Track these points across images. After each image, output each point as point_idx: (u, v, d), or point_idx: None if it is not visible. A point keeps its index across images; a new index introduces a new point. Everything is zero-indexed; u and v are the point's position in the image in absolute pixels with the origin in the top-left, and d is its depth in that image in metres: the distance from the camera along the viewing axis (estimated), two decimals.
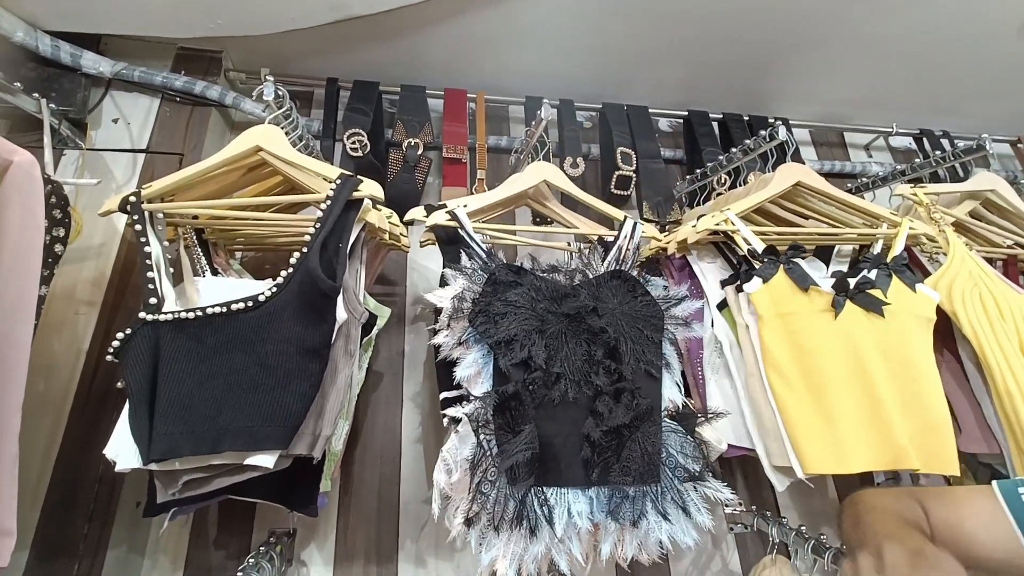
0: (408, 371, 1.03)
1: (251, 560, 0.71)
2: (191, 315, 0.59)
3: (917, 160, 1.20)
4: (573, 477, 0.63)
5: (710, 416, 0.77)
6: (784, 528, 0.85)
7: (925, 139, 1.46)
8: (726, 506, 1.01)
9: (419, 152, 1.13)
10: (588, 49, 1.24)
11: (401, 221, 0.86)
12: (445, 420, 0.68)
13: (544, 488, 0.63)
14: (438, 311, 0.73)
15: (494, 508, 0.61)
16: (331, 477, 0.75)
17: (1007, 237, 0.99)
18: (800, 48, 1.26)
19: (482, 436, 0.63)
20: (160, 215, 0.72)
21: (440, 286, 0.76)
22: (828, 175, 1.16)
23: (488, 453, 0.63)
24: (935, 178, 1.24)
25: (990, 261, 0.92)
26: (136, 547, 0.82)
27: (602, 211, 0.88)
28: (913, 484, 0.97)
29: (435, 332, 0.73)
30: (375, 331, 0.80)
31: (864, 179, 1.34)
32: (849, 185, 1.35)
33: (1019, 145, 1.53)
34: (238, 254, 1.00)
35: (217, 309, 0.59)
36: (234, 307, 0.59)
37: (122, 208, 0.70)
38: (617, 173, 1.17)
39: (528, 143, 1.00)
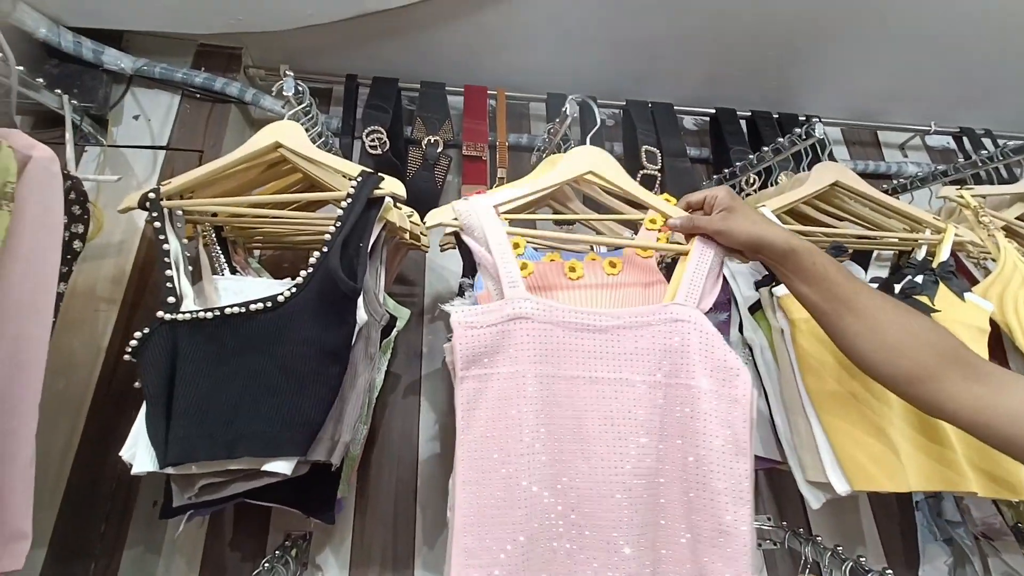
0: (426, 373, 1.02)
1: (266, 564, 0.70)
2: (209, 315, 0.58)
3: (960, 160, 1.15)
4: None
5: None
6: (819, 547, 0.81)
7: (966, 138, 1.39)
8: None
9: (439, 150, 1.11)
10: (610, 43, 1.21)
11: (421, 221, 0.84)
12: None
13: None
14: None
15: None
16: (348, 481, 0.74)
17: None
18: (833, 38, 1.20)
19: None
20: (179, 212, 0.70)
21: (459, 293, 0.74)
22: (861, 176, 1.12)
23: None
24: (977, 179, 1.18)
25: None
26: (152, 547, 0.81)
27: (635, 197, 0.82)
28: (958, 504, 0.92)
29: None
30: (394, 333, 0.79)
31: (900, 180, 1.28)
32: (884, 186, 1.29)
33: None
34: (256, 252, 0.99)
35: (236, 309, 0.58)
36: (253, 307, 0.58)
37: (141, 205, 0.69)
38: (642, 172, 1.14)
39: (551, 140, 0.97)
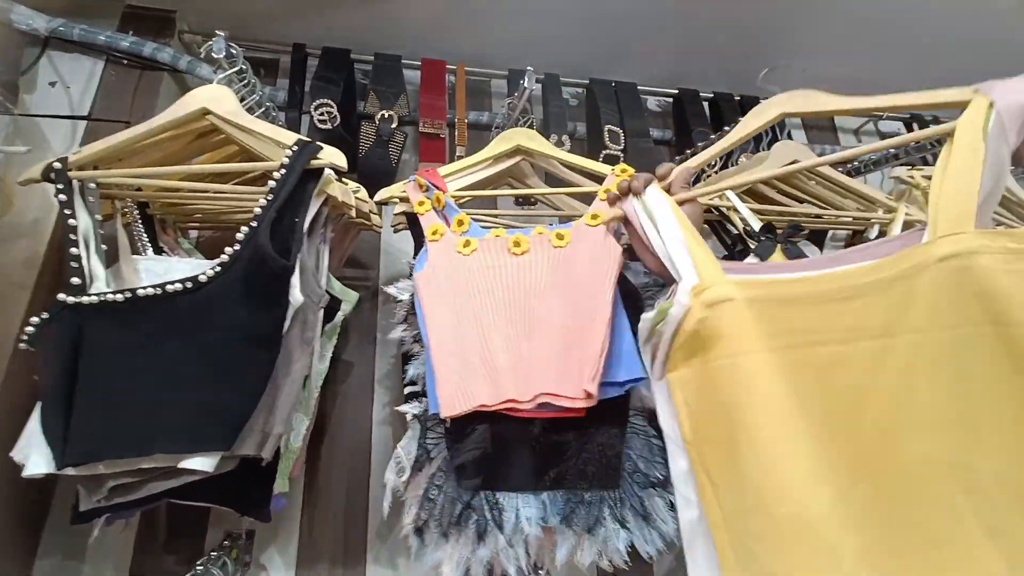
0: (379, 360, 0.97)
1: (200, 568, 0.65)
2: (120, 297, 0.52)
3: (913, 143, 1.17)
4: (524, 480, 0.59)
5: None
6: None
7: (915, 124, 1.42)
8: None
9: (393, 126, 1.05)
10: (576, 21, 1.17)
11: (371, 198, 0.79)
12: (408, 416, 0.63)
13: (494, 492, 0.59)
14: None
15: (440, 513, 0.58)
16: (290, 476, 0.69)
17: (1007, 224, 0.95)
18: (794, 27, 1.21)
19: (429, 438, 0.60)
20: (92, 185, 0.63)
21: (408, 275, 0.70)
22: None
23: (431, 457, 0.60)
24: (925, 162, 1.21)
25: None
26: (73, 554, 0.74)
27: (593, 170, 0.81)
28: None
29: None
30: (340, 317, 0.74)
31: (854, 163, 1.30)
32: (840, 169, 1.31)
33: None
34: (192, 233, 0.92)
35: (151, 291, 0.52)
36: (170, 288, 0.52)
37: (46, 176, 0.61)
38: (604, 152, 1.11)
39: (511, 116, 0.93)
